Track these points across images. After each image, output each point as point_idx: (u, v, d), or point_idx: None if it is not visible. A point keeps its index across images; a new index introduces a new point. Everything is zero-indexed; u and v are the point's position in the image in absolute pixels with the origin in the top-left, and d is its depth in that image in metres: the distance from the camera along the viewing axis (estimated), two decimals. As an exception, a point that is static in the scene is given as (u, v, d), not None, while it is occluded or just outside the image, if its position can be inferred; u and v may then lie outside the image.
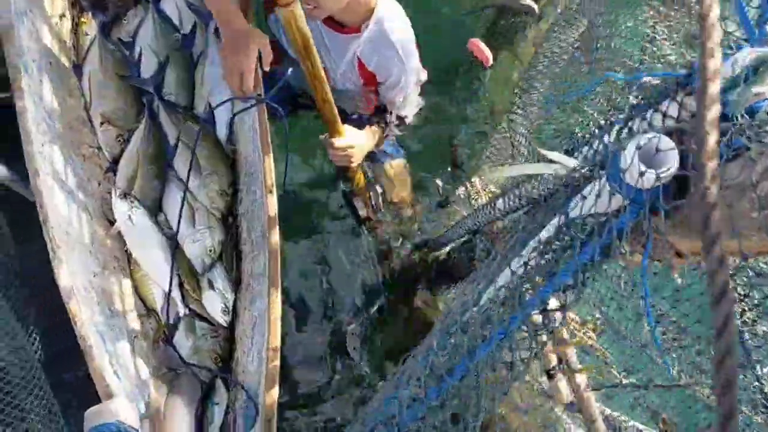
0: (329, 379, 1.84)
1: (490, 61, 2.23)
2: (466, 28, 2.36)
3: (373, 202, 1.63)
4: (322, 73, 1.29)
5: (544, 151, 0.61)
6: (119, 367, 1.20)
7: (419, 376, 0.62)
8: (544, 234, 0.55)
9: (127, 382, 1.20)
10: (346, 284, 1.98)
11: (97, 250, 1.47)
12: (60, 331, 1.70)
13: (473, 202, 1.58)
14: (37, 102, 1.43)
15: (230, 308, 1.56)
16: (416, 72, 1.66)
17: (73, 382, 1.71)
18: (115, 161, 1.69)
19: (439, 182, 1.97)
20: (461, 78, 2.27)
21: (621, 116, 0.67)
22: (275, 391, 1.14)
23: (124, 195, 1.56)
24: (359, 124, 1.66)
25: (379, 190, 1.70)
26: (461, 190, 1.77)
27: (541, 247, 0.54)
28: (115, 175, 1.67)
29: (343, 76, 1.70)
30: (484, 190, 1.57)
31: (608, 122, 0.70)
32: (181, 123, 1.68)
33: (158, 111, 1.70)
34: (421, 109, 1.85)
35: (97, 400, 1.68)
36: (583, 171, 0.55)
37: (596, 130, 0.73)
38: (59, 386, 1.54)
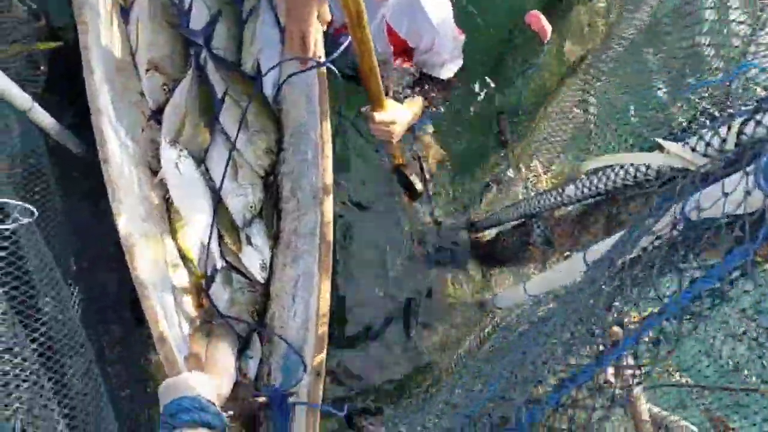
0: (380, 349, 1.85)
1: (549, 36, 2.12)
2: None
3: (426, 174, 1.59)
4: (371, 42, 1.23)
5: (663, 141, 0.57)
6: (167, 316, 1.22)
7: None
8: (658, 227, 0.52)
9: (173, 330, 1.22)
10: (402, 258, 1.93)
11: (143, 197, 1.47)
12: (101, 287, 1.72)
13: (530, 185, 1.53)
14: (97, 40, 1.42)
15: (267, 264, 1.56)
16: (450, 33, 1.56)
17: (110, 339, 1.75)
18: (159, 110, 1.67)
19: (486, 161, 1.90)
20: (516, 52, 2.16)
21: (743, 107, 0.62)
22: (324, 346, 1.15)
23: (174, 142, 1.54)
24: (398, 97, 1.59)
25: (426, 163, 1.66)
26: (511, 171, 1.72)
27: (660, 243, 0.51)
28: (158, 123, 1.65)
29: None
30: (545, 173, 1.52)
31: (726, 113, 0.65)
32: (228, 78, 1.65)
33: (205, 63, 1.66)
34: (460, 83, 1.76)
35: (135, 360, 1.69)
36: (711, 166, 0.51)
37: (707, 121, 0.69)
38: (96, 342, 1.56)
